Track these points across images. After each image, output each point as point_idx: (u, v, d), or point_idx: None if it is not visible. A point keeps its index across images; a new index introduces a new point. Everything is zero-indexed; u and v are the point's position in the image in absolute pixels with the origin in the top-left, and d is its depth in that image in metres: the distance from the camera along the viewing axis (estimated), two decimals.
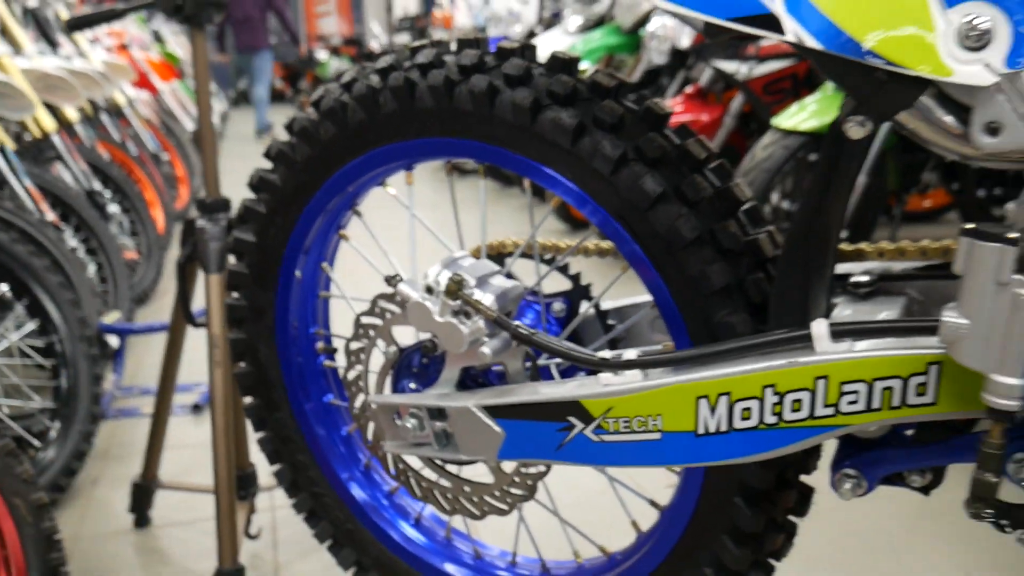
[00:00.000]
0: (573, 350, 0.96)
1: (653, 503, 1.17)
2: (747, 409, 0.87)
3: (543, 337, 0.98)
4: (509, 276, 1.14)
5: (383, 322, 1.16)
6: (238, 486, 1.73)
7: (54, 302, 2.01)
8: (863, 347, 0.82)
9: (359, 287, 1.25)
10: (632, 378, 0.92)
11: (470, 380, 1.13)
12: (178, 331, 1.75)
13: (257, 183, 1.23)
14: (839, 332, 0.83)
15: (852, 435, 0.94)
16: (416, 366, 1.18)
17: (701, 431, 0.89)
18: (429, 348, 1.09)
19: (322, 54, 13.02)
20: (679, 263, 0.94)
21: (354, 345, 1.21)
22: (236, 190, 1.28)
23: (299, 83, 14.02)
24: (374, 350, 1.20)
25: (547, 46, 4.46)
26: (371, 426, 1.24)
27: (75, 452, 1.98)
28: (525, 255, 1.18)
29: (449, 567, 1.32)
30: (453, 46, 1.07)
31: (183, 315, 1.68)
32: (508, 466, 1.13)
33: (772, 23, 0.71)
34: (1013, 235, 0.68)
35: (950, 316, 0.73)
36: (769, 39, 0.75)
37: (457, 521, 1.37)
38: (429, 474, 1.22)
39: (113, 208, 3.21)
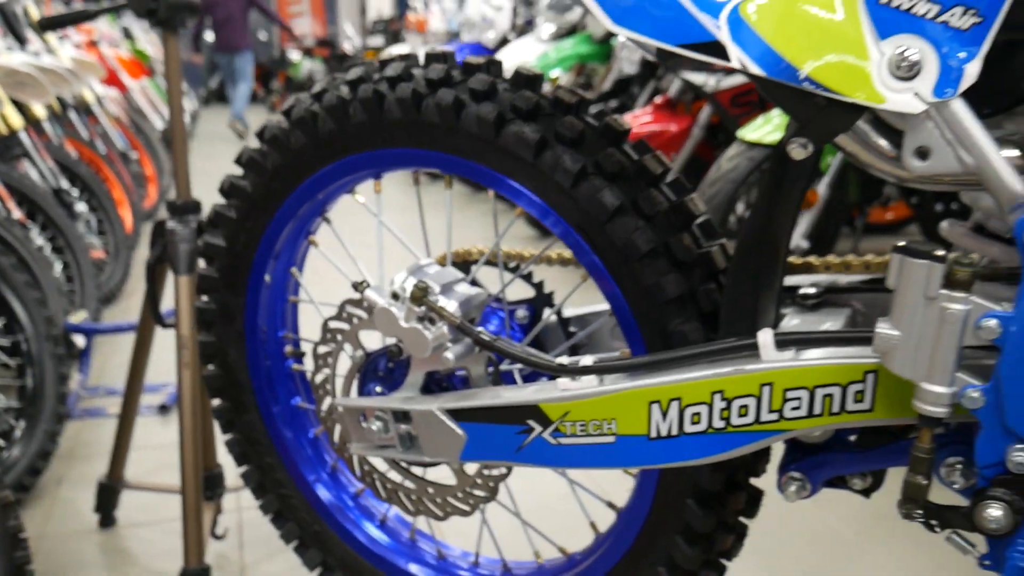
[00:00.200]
0: (532, 355, 1.00)
1: (611, 505, 1.21)
2: (697, 414, 0.91)
3: (504, 343, 1.02)
4: (474, 283, 1.18)
5: (350, 327, 1.19)
6: (205, 486, 1.74)
7: (20, 300, 2.01)
8: (805, 356, 0.87)
9: (328, 292, 1.28)
10: (588, 383, 0.96)
11: (434, 384, 1.17)
12: (146, 331, 1.76)
13: (228, 189, 1.25)
14: (784, 341, 0.88)
15: (798, 440, 0.98)
16: (382, 370, 1.21)
17: (653, 435, 0.93)
18: (395, 353, 1.12)
19: (295, 55, 12.97)
20: (635, 274, 0.98)
21: (322, 349, 1.23)
22: (207, 191, 1.31)
23: (271, 83, 13.95)
24: (341, 354, 1.22)
25: (520, 53, 4.51)
26: (338, 429, 1.27)
27: (40, 452, 1.98)
28: (490, 263, 1.21)
29: (413, 567, 1.35)
30: (421, 60, 1.11)
31: (152, 316, 1.69)
32: (470, 468, 1.17)
33: (718, 50, 0.76)
34: (940, 252, 0.73)
35: (883, 328, 0.78)
36: None
37: (421, 523, 1.40)
38: (394, 476, 1.25)
39: (80, 207, 3.20)
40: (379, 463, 1.25)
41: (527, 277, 1.23)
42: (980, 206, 0.84)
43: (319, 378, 1.25)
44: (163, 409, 2.43)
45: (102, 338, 2.91)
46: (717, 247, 1.01)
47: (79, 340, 2.54)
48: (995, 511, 0.77)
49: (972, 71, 0.69)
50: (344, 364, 1.22)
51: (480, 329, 1.04)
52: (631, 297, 1.00)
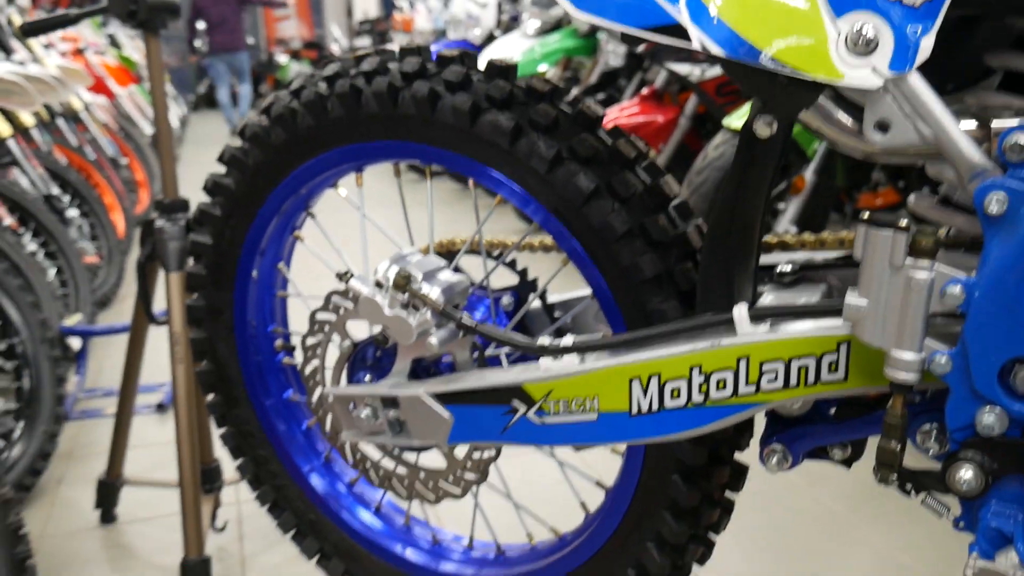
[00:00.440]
0: (514, 338, 1.02)
1: (600, 484, 1.23)
2: (676, 389, 0.93)
3: (486, 327, 1.04)
4: (458, 271, 1.20)
5: (337, 317, 1.21)
6: (203, 480, 1.76)
7: (14, 304, 2.03)
8: (780, 329, 0.89)
9: (316, 286, 1.30)
10: (569, 363, 0.98)
11: (422, 371, 1.19)
12: (139, 330, 1.78)
13: (212, 187, 1.27)
14: (758, 315, 0.90)
15: (778, 412, 1.00)
16: (370, 359, 1.23)
17: (635, 411, 0.95)
18: (381, 341, 1.14)
19: (282, 58, 12.96)
20: (613, 255, 1.00)
21: (310, 340, 1.25)
22: (198, 196, 1.32)
23: (260, 86, 13.95)
24: (330, 345, 1.24)
25: (506, 50, 4.52)
26: (329, 418, 1.29)
27: (40, 452, 2.00)
28: (475, 252, 1.23)
29: (408, 552, 1.37)
30: (396, 54, 1.13)
31: (144, 314, 1.71)
32: (460, 451, 1.19)
33: (680, 32, 0.78)
34: (904, 222, 0.75)
35: (852, 298, 0.80)
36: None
37: (415, 508, 1.42)
38: (387, 463, 1.27)
39: (72, 212, 3.21)
40: (371, 450, 1.28)
41: (511, 265, 1.25)
42: (945, 178, 0.86)
43: (309, 369, 1.27)
44: (161, 408, 2.45)
45: (99, 341, 2.93)
46: (693, 227, 1.03)
47: (75, 343, 2.56)
48: (966, 473, 0.79)
49: (926, 45, 0.71)
50: (333, 354, 1.24)
51: (463, 314, 1.06)
52: (610, 279, 1.02)
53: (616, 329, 1.05)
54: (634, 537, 1.13)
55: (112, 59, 6.13)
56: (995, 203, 0.70)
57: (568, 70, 4.48)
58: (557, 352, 0.98)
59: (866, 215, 0.76)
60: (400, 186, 1.23)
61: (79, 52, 5.18)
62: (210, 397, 1.41)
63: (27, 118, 3.35)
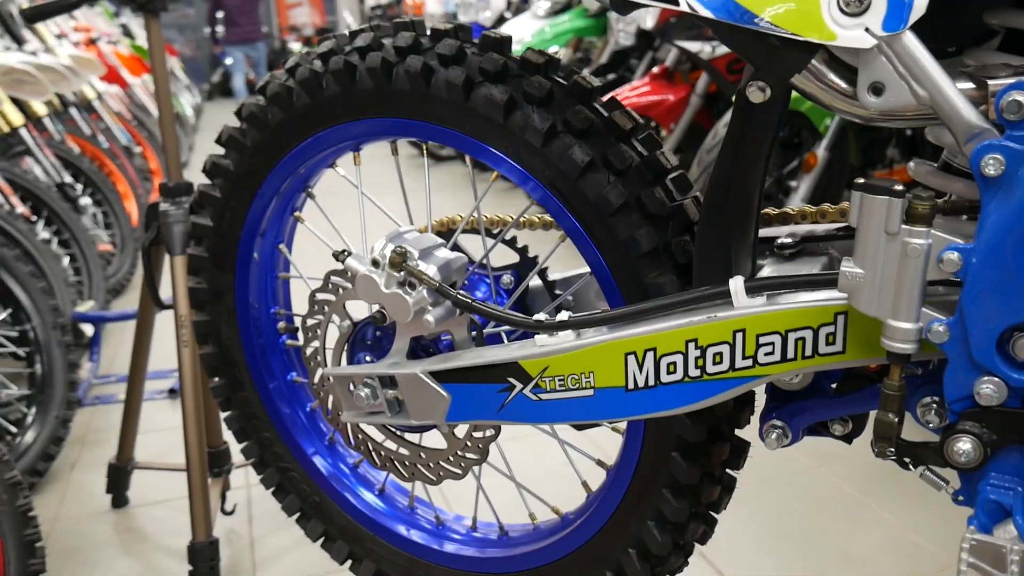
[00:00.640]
0: (509, 314, 1.01)
1: (600, 463, 1.22)
2: (672, 363, 0.92)
3: (481, 304, 1.03)
4: (457, 249, 1.19)
5: (336, 297, 1.20)
6: (211, 463, 1.77)
7: (25, 291, 2.04)
8: (776, 301, 0.87)
9: (318, 267, 1.30)
10: (565, 338, 0.97)
11: (421, 350, 1.18)
12: (147, 315, 1.79)
13: (211, 168, 1.27)
14: (754, 287, 0.88)
15: (778, 387, 0.99)
16: (370, 339, 1.23)
17: (631, 386, 0.94)
18: (379, 319, 1.13)
19: (295, 45, 12.95)
20: (609, 229, 0.98)
21: (310, 321, 1.25)
22: None
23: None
24: (330, 325, 1.24)
25: (516, 31, 4.49)
26: (330, 398, 1.28)
27: (52, 437, 2.02)
28: (475, 231, 1.22)
29: (412, 533, 1.37)
30: (391, 28, 1.11)
31: (151, 297, 1.72)
32: (460, 431, 1.18)
33: None
34: (899, 188, 0.73)
35: (848, 266, 0.78)
36: None
37: (419, 490, 1.42)
38: (388, 444, 1.27)
39: (85, 201, 3.23)
40: (373, 432, 1.27)
41: (511, 243, 1.24)
42: (944, 142, 0.84)
43: (309, 350, 1.26)
44: (172, 393, 2.47)
45: (112, 328, 2.95)
46: (691, 200, 1.01)
47: (88, 329, 2.58)
48: (964, 444, 0.78)
49: (920, 4, 0.69)
50: (334, 335, 1.24)
51: (460, 291, 1.05)
52: (607, 253, 1.01)
53: (614, 305, 1.03)
54: (635, 516, 1.12)
55: (125, 49, 6.15)
56: (992, 165, 0.68)
57: (579, 50, 4.45)
58: (552, 328, 0.97)
59: (860, 180, 0.75)
60: (398, 164, 1.22)
61: (92, 42, 5.21)
62: (214, 380, 1.42)
63: (39, 107, 3.37)
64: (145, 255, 1.66)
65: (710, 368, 0.90)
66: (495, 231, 1.25)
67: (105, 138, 3.95)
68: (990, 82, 0.69)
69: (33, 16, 1.63)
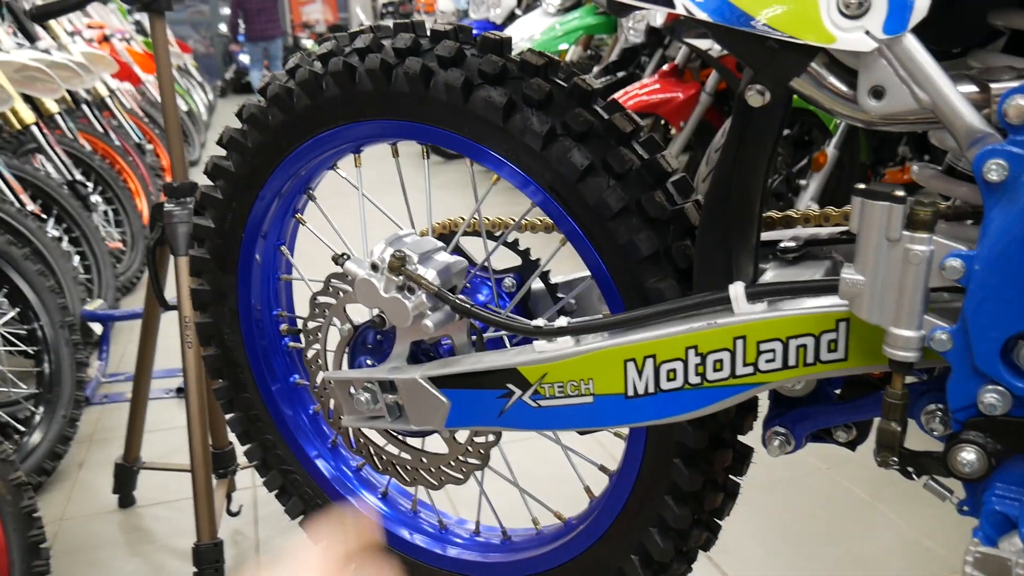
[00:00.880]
0: (509, 319, 1.00)
1: (603, 468, 1.21)
2: (672, 370, 0.91)
3: (480, 309, 1.02)
4: (460, 254, 1.18)
5: (336, 301, 1.20)
6: (216, 464, 1.77)
7: (33, 289, 2.05)
8: (777, 307, 0.86)
9: (322, 269, 1.29)
10: (564, 344, 0.96)
11: (421, 354, 1.17)
12: (152, 315, 1.79)
13: (212, 170, 1.26)
14: (755, 294, 0.87)
15: (781, 394, 0.98)
16: (371, 343, 1.22)
17: (631, 393, 0.93)
18: (378, 323, 1.13)
19: (308, 42, 12.97)
20: (609, 233, 0.97)
21: (311, 324, 1.24)
22: None
23: None
24: (331, 328, 1.23)
25: (527, 28, 4.48)
26: (331, 402, 1.28)
27: (60, 436, 2.03)
28: (476, 232, 1.21)
29: (416, 537, 1.37)
30: (391, 29, 1.11)
31: (156, 298, 1.72)
32: (461, 436, 1.18)
33: None
34: (900, 193, 0.72)
35: (848, 273, 0.77)
36: None
37: (422, 493, 1.42)
38: (390, 448, 1.26)
39: (96, 198, 3.24)
40: (375, 436, 1.27)
41: (513, 245, 1.23)
42: (947, 146, 0.83)
43: (310, 353, 1.26)
44: (180, 391, 2.47)
45: (122, 326, 2.96)
46: (692, 203, 1.00)
47: (96, 328, 2.59)
48: (968, 455, 0.76)
49: (921, 6, 0.68)
50: (335, 338, 1.23)
51: (460, 296, 1.05)
52: (607, 258, 0.99)
53: (614, 310, 1.02)
54: (637, 522, 1.11)
55: (139, 46, 6.18)
56: (994, 170, 0.66)
57: (589, 48, 4.43)
58: (551, 334, 0.96)
59: (861, 186, 0.73)
60: (399, 166, 1.22)
61: (105, 39, 5.23)
62: (218, 382, 1.41)
63: (51, 105, 3.38)
64: (150, 255, 1.66)
65: (710, 375, 0.89)
66: (496, 233, 1.24)
67: (117, 136, 3.97)
68: (993, 85, 0.68)
69: (40, 15, 1.63)
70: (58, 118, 3.42)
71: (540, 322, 0.99)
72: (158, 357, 1.85)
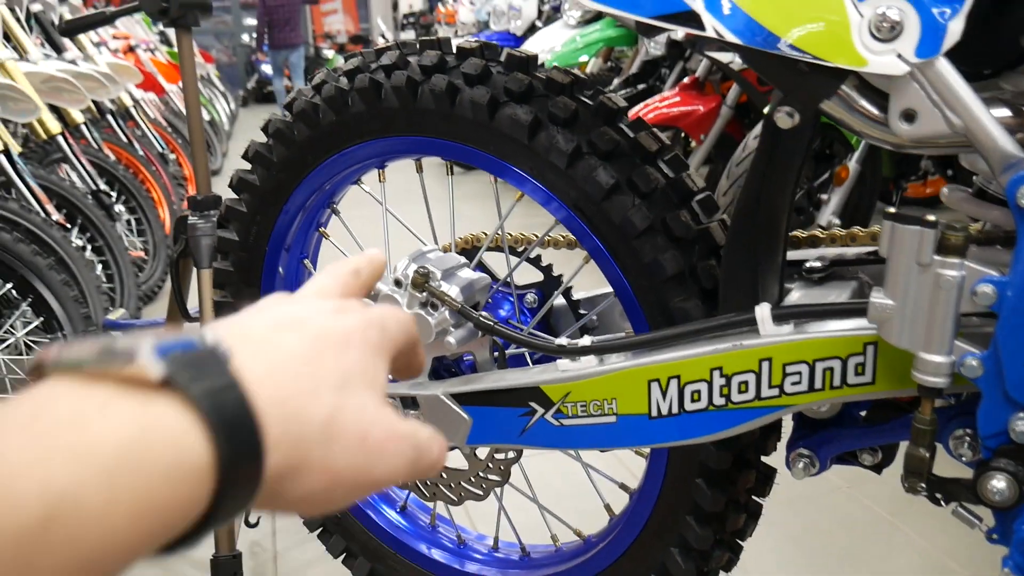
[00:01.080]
0: (532, 337, 1.00)
1: (624, 487, 1.20)
2: (696, 391, 0.90)
3: (503, 327, 1.02)
4: (482, 268, 1.18)
5: None
6: None
7: (58, 299, 2.07)
8: (804, 329, 0.85)
9: None
10: (588, 363, 0.96)
11: (443, 370, 1.17)
12: (175, 325, 1.80)
13: (237, 183, 1.27)
14: (782, 315, 0.86)
15: (805, 416, 0.97)
16: None
17: (654, 414, 0.93)
18: None
19: (329, 52, 13.08)
20: (634, 252, 0.97)
21: None
22: None
23: (306, 81, 14.12)
24: None
25: (547, 40, 4.49)
26: None
27: None
28: (499, 249, 1.21)
29: (434, 552, 1.37)
30: (416, 47, 1.11)
31: (178, 309, 1.73)
32: (482, 452, 1.17)
33: (694, 20, 0.75)
34: (931, 218, 0.71)
35: (878, 297, 0.76)
36: None
37: (441, 508, 1.41)
38: None
39: (119, 208, 3.27)
40: None
41: (535, 261, 1.22)
42: (979, 169, 0.82)
43: None
44: None
45: None
46: (717, 223, 0.99)
47: None
48: (999, 482, 0.75)
49: (955, 29, 0.67)
50: None
51: (483, 313, 1.05)
52: (632, 276, 0.99)
53: (638, 328, 1.02)
54: (658, 542, 1.11)
55: (163, 56, 6.25)
56: None
57: (610, 60, 4.43)
58: (575, 353, 0.96)
59: (890, 210, 0.72)
60: (422, 182, 1.22)
61: (131, 49, 5.29)
62: None
63: (77, 115, 3.42)
64: (173, 267, 1.68)
65: (735, 397, 0.89)
66: (520, 249, 1.24)
67: (140, 145, 4.01)
68: None
69: (70, 29, 1.65)
70: (83, 128, 3.45)
71: (563, 340, 0.98)
72: None
